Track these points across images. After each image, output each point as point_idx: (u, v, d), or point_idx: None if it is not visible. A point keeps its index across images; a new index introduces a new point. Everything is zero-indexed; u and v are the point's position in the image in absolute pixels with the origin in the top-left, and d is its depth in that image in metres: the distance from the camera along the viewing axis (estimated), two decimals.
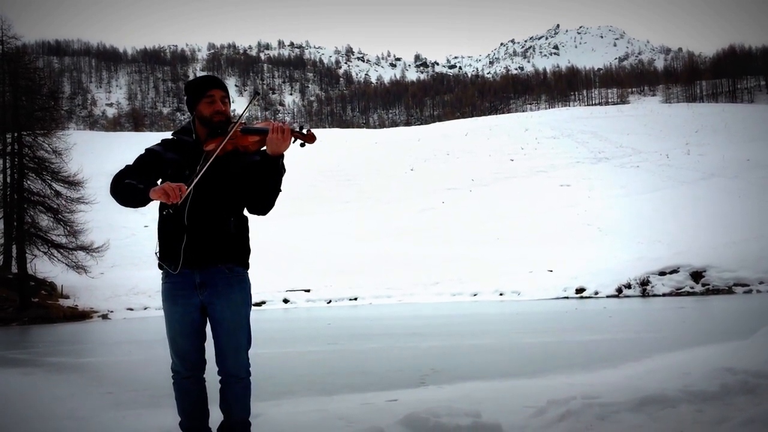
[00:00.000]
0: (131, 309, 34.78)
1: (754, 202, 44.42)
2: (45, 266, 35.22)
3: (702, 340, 9.13)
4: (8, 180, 36.03)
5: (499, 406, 4.25)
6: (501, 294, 35.23)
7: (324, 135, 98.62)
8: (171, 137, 3.06)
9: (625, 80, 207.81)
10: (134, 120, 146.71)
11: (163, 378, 7.51)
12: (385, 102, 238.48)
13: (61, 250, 35.31)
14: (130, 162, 3.04)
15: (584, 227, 48.53)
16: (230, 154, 2.88)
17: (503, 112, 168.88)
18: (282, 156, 2.84)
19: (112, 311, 34.12)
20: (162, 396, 6.25)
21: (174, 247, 2.87)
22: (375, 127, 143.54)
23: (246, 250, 2.99)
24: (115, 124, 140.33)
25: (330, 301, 36.97)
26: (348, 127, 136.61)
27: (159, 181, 2.96)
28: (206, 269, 2.87)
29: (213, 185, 2.88)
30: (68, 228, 35.46)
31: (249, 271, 3.04)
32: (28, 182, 35.80)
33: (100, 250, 35.84)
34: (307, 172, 71.63)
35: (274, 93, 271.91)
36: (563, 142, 74.93)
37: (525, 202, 56.31)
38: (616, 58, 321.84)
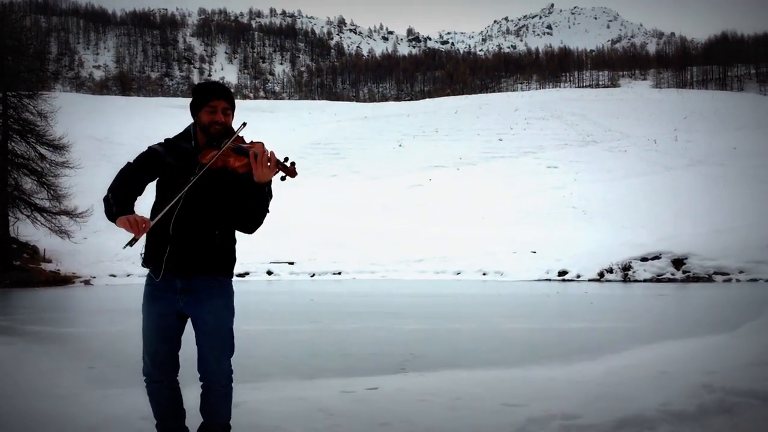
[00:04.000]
0: (114, 275, 34.67)
1: (739, 191, 44.82)
2: (28, 230, 34.96)
3: (680, 334, 9.26)
4: None
5: (477, 402, 4.30)
6: (484, 274, 35.46)
7: (313, 107, 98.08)
8: (172, 140, 3.03)
9: (617, 63, 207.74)
10: (122, 83, 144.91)
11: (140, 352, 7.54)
12: (375, 75, 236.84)
13: (45, 214, 35.01)
14: (132, 155, 3.04)
15: (569, 210, 48.84)
16: (221, 169, 2.87)
17: (494, 91, 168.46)
18: (269, 182, 2.83)
19: (94, 277, 34.01)
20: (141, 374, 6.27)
21: (158, 254, 2.86)
22: (365, 101, 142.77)
23: (230, 261, 2.98)
24: (102, 87, 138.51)
25: (314, 275, 37.03)
26: (338, 99, 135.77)
27: (155, 182, 2.96)
28: (187, 278, 2.86)
29: (201, 198, 2.87)
30: (52, 192, 35.13)
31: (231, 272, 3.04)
32: (13, 144, 35.35)
33: (83, 215, 35.56)
34: (296, 144, 71.29)
35: (264, 62, 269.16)
36: (552, 123, 74.98)
37: (512, 182, 56.47)
38: (608, 40, 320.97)
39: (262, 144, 2.87)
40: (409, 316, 13.36)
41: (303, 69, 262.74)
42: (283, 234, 40.42)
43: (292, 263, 38.55)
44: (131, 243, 2.75)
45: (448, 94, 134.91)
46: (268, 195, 2.85)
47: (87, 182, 46.44)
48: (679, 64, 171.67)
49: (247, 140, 2.95)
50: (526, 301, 18.99)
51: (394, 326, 11.23)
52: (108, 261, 37.01)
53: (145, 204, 3.05)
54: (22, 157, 35.39)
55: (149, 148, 3.00)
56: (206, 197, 2.87)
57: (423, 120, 79.70)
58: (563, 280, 32.65)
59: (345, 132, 75.54)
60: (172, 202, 2.79)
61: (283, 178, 2.82)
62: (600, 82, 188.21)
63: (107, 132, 72.24)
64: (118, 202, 2.79)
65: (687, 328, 10.07)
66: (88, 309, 17.68)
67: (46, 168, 35.60)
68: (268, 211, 2.90)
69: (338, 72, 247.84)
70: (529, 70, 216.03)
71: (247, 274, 35.04)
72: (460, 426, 3.70)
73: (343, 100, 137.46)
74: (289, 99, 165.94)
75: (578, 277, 33.01)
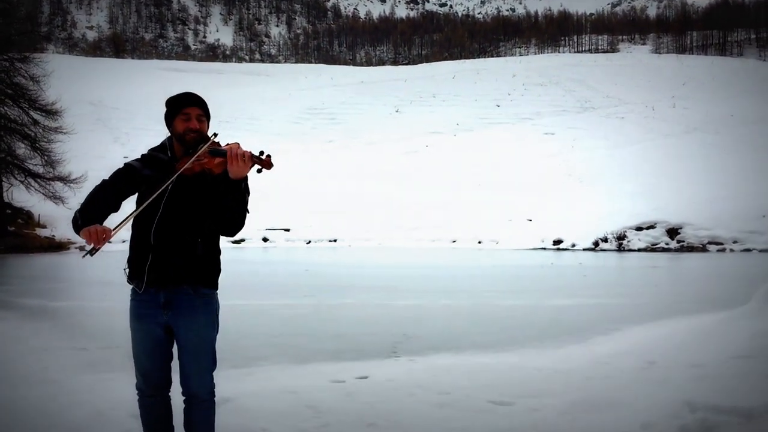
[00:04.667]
0: (109, 241, 34.63)
1: (734, 159, 44.72)
2: (22, 196, 34.86)
3: (671, 313, 9.31)
4: None
5: (465, 400, 4.33)
6: (479, 242, 35.58)
7: (310, 71, 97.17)
8: (149, 153, 3.00)
9: (617, 27, 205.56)
10: (115, 45, 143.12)
11: None
12: (373, 38, 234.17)
13: (38, 180, 34.87)
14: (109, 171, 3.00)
15: (565, 177, 48.78)
16: (199, 176, 2.84)
17: (492, 55, 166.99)
18: (245, 179, 2.80)
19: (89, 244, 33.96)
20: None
21: (140, 265, 2.85)
22: (362, 64, 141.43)
23: (214, 271, 2.96)
24: (95, 48, 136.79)
25: (309, 242, 37.12)
26: (334, 63, 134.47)
27: (136, 197, 2.93)
28: (171, 289, 2.84)
29: (180, 206, 2.84)
30: (45, 158, 34.93)
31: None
32: (5, 109, 35.02)
33: (78, 181, 35.38)
34: (291, 109, 70.79)
35: (260, 24, 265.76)
36: (550, 89, 74.47)
37: (508, 149, 56.27)
38: (608, 3, 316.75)
39: (238, 144, 2.84)
40: (404, 290, 13.40)
41: (299, 31, 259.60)
42: (278, 200, 40.37)
43: (287, 230, 38.58)
44: (91, 252, 2.73)
45: (445, 59, 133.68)
46: (246, 191, 2.83)
47: (81, 147, 46.22)
48: (679, 28, 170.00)
49: (223, 144, 2.92)
50: (520, 273, 19.06)
51: (388, 301, 11.27)
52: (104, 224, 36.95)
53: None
54: (15, 122, 35.11)
55: (125, 164, 2.97)
56: (186, 204, 2.85)
57: (420, 85, 79.06)
58: (558, 249, 32.78)
59: (342, 97, 74.94)
60: (139, 210, 2.78)
61: (259, 170, 2.79)
62: (599, 47, 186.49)
63: (101, 96, 71.53)
64: (85, 218, 2.76)
65: (678, 307, 10.12)
66: (82, 279, 17.69)
67: (39, 133, 35.34)
68: (248, 211, 2.87)
69: (335, 35, 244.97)
70: (528, 33, 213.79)
71: (242, 241, 35.08)
72: (448, 426, 3.72)
73: (339, 63, 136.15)
74: (285, 62, 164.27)
75: (573, 246, 33.14)
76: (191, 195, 2.85)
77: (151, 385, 2.96)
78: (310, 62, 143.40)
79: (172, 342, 2.95)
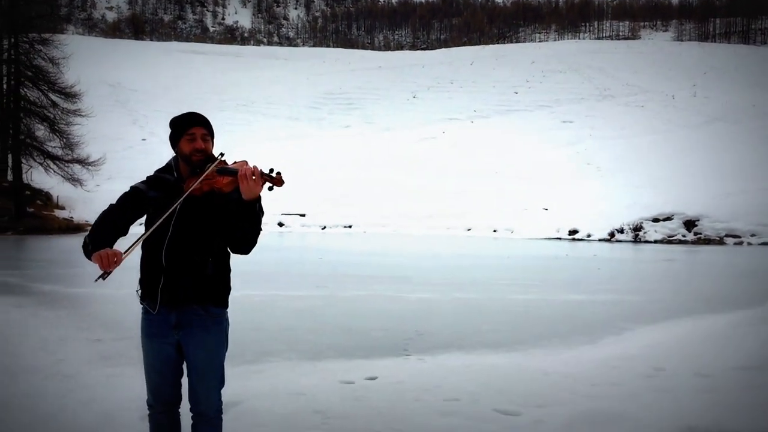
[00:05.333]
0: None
1: (755, 151, 44.13)
2: (41, 178, 35.24)
3: (683, 312, 9.28)
4: (4, 88, 35.55)
5: (471, 406, 4.36)
6: (494, 231, 35.49)
7: (327, 55, 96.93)
8: (155, 174, 3.03)
9: (638, 13, 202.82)
10: (134, 26, 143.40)
11: None
12: (391, 22, 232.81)
13: (57, 162, 35.21)
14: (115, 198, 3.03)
15: (583, 166, 48.42)
16: (207, 195, 2.86)
17: (512, 41, 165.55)
18: (258, 199, 2.81)
19: None
20: None
21: (153, 286, 2.89)
22: (380, 49, 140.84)
23: (225, 290, 3.00)
24: (114, 29, 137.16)
25: (325, 227, 37.22)
26: (353, 47, 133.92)
27: (144, 219, 2.96)
28: (182, 309, 2.88)
29: (191, 226, 2.87)
30: (64, 140, 35.24)
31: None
32: (25, 91, 35.33)
33: (96, 164, 35.72)
34: (308, 94, 70.75)
35: (278, 6, 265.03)
36: (569, 77, 73.80)
37: (525, 136, 55.92)
38: None
39: (245, 162, 2.85)
40: (417, 282, 13.43)
41: (318, 14, 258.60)
42: (294, 185, 40.39)
43: (303, 215, 38.68)
44: (102, 277, 2.75)
45: (464, 44, 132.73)
46: (260, 212, 2.85)
47: (99, 129, 46.58)
48: (702, 15, 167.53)
49: (230, 162, 2.94)
50: (534, 264, 19.02)
51: (401, 294, 11.31)
52: None
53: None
54: (35, 104, 35.43)
55: (131, 187, 3.00)
56: (196, 225, 2.87)
57: (438, 71, 78.65)
58: (573, 239, 32.64)
59: (359, 82, 74.75)
60: (148, 232, 2.79)
61: (270, 188, 2.81)
62: (620, 33, 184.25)
63: (120, 77, 71.84)
64: (95, 242, 2.79)
65: (691, 306, 10.07)
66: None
67: (58, 115, 35.64)
68: (261, 230, 2.90)
69: (353, 18, 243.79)
70: (548, 19, 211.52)
71: None
72: (452, 411, 3.75)
73: (357, 47, 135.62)
74: (303, 45, 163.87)
75: (588, 236, 32.99)
76: (200, 215, 2.88)
77: (161, 402, 3.01)
78: (328, 46, 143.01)
79: (182, 360, 3.00)
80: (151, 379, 3.00)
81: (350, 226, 37.52)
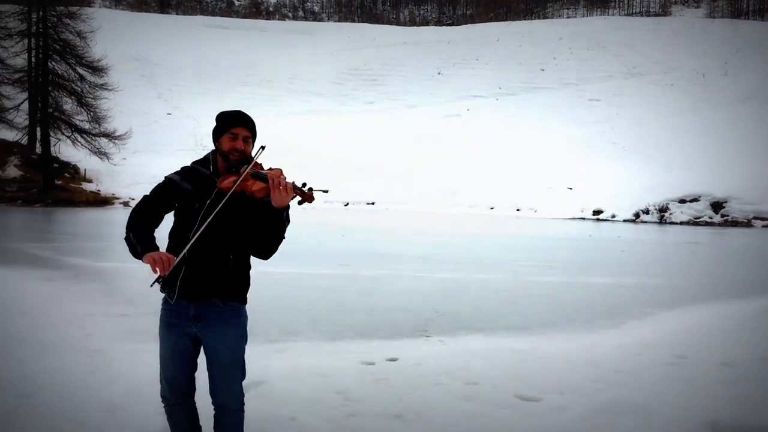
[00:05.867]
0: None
1: None
2: (69, 151, 35.70)
3: (706, 298, 9.21)
4: (33, 61, 35.94)
5: (492, 392, 4.39)
6: (518, 210, 35.33)
7: (353, 30, 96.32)
8: (190, 166, 3.06)
9: None
10: (160, 0, 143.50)
11: None
12: None
13: (85, 135, 35.64)
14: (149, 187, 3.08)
15: (609, 145, 47.91)
16: (238, 195, 2.90)
17: (539, 17, 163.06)
18: (287, 208, 2.85)
19: (133, 199, 34.71)
20: None
21: (173, 277, 2.93)
22: (405, 24, 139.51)
23: (244, 286, 3.03)
24: (140, 3, 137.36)
25: (347, 204, 37.30)
26: (378, 22, 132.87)
27: (173, 211, 3.00)
28: (200, 302, 2.93)
29: (217, 222, 2.90)
30: (91, 113, 35.63)
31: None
32: (53, 64, 35.69)
33: (123, 138, 36.10)
34: (332, 69, 70.52)
35: None
36: (597, 53, 72.70)
37: (551, 114, 55.39)
38: None
39: (280, 170, 2.90)
40: (439, 261, 13.46)
41: None
42: (317, 160, 40.52)
43: (326, 191, 38.36)
44: (158, 280, 2.82)
45: (490, 20, 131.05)
46: (286, 220, 2.88)
47: (125, 103, 46.91)
48: None
49: (266, 167, 2.98)
50: (557, 245, 18.94)
51: (423, 273, 11.35)
52: (146, 183, 37.63)
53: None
54: (62, 78, 35.80)
55: (166, 177, 3.05)
56: (222, 222, 2.91)
57: (464, 47, 77.88)
58: (597, 220, 32.41)
59: (384, 58, 74.32)
60: (197, 234, 2.83)
61: (300, 203, 2.85)
62: (651, 9, 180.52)
63: (146, 51, 72.12)
64: (139, 240, 2.87)
65: (715, 291, 10.00)
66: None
67: (85, 89, 36.01)
68: (284, 238, 2.93)
69: None
70: None
71: None
72: (470, 424, 3.79)
73: (382, 22, 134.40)
74: (328, 20, 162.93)
75: (613, 217, 32.73)
76: (229, 213, 2.91)
77: (176, 393, 3.06)
78: (353, 21, 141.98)
79: (198, 353, 3.04)
80: (167, 368, 3.04)
81: (373, 203, 37.58)
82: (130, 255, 2.94)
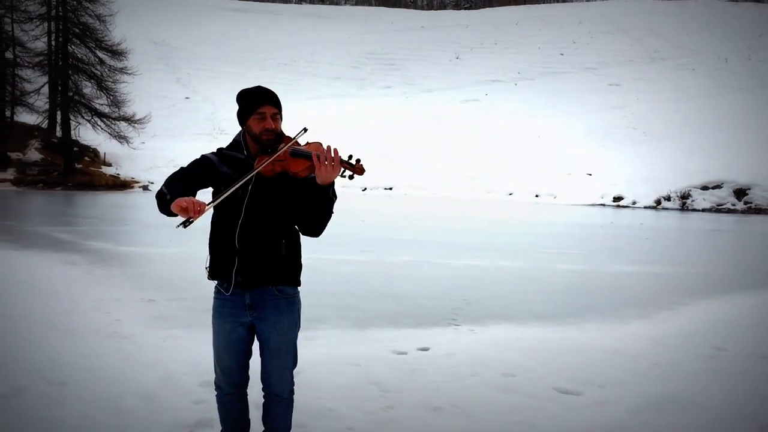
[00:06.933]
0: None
1: None
2: (88, 135, 35.80)
3: (737, 286, 9.06)
4: (53, 45, 36.01)
5: (530, 384, 4.31)
6: (537, 196, 35.09)
7: (370, 14, 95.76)
8: (225, 151, 2.94)
9: None
10: None
11: (197, 284, 7.74)
12: None
13: (104, 119, 35.73)
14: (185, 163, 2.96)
15: (630, 131, 47.34)
16: (279, 176, 2.78)
17: (558, 0, 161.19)
18: (332, 184, 2.73)
19: (152, 182, 34.86)
20: (199, 311, 6.48)
21: (227, 268, 2.85)
22: (423, 8, 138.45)
23: (297, 270, 2.97)
24: None
25: (365, 189, 37.21)
26: (395, 5, 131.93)
27: (211, 191, 2.89)
28: (255, 290, 2.86)
29: (263, 207, 2.81)
30: (111, 97, 35.71)
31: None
32: (73, 47, 35.74)
33: (142, 122, 36.18)
34: (350, 53, 70.17)
35: None
36: (618, 38, 71.73)
37: (570, 99, 54.80)
38: None
39: (320, 144, 2.75)
40: (460, 248, 13.37)
41: None
42: (334, 145, 40.37)
43: (343, 176, 38.71)
44: (185, 224, 2.66)
45: (509, 3, 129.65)
46: (333, 197, 2.77)
47: (144, 87, 46.99)
48: None
49: (302, 143, 2.84)
50: (578, 232, 18.76)
51: (446, 260, 11.27)
52: (164, 167, 37.80)
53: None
54: (82, 61, 35.85)
55: (202, 155, 2.94)
56: (268, 206, 2.82)
57: (482, 31, 77.15)
58: (618, 206, 32.11)
59: (401, 42, 73.81)
60: (209, 206, 2.68)
61: (351, 177, 2.71)
62: None
63: (164, 35, 72.15)
64: (172, 191, 2.72)
65: (745, 280, 9.84)
66: (147, 222, 18.19)
67: (105, 73, 36.06)
68: (333, 213, 2.83)
69: None
70: None
71: None
72: (513, 418, 3.71)
73: (399, 6, 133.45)
74: (345, 3, 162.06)
75: (634, 203, 32.40)
76: (272, 196, 2.82)
77: (231, 383, 3.01)
78: (370, 4, 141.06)
79: (252, 341, 2.99)
80: (222, 360, 2.99)
81: (390, 188, 37.47)
82: (159, 211, 2.78)
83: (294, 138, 2.83)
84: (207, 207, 2.64)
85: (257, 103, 2.86)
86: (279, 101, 2.91)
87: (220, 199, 2.70)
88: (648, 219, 24.54)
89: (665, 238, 18.11)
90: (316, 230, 2.86)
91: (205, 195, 2.85)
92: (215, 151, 2.96)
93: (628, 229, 20.06)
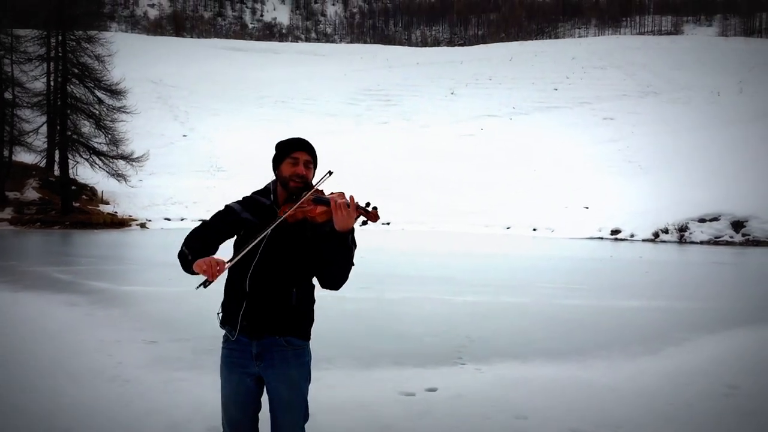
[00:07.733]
0: (168, 219, 35.51)
1: None
2: (86, 173, 35.91)
3: (742, 320, 9.00)
4: (52, 84, 36.30)
5: (542, 427, 4.23)
6: (534, 229, 35.09)
7: (365, 52, 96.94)
8: (251, 196, 2.96)
9: (681, 7, 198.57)
10: (175, 23, 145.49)
11: (198, 324, 7.65)
12: (429, 18, 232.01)
13: (102, 158, 35.88)
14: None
15: (625, 164, 47.65)
16: (299, 223, 2.77)
17: (551, 36, 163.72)
18: (351, 231, 2.71)
19: (150, 220, 34.83)
20: (202, 352, 6.40)
21: (234, 311, 2.82)
22: (417, 44, 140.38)
23: (308, 322, 2.92)
24: (156, 27, 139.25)
25: (363, 224, 37.15)
26: (390, 43, 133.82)
27: (234, 239, 2.89)
28: (262, 340, 2.80)
29: (278, 253, 2.79)
30: (109, 136, 35.91)
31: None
32: (72, 87, 36.02)
33: (140, 160, 36.34)
34: (346, 90, 70.84)
35: (316, 3, 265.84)
36: (611, 73, 72.67)
37: (566, 133, 55.26)
38: None
39: (343, 194, 2.76)
40: (462, 283, 13.30)
41: (355, 10, 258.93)
42: (332, 181, 40.49)
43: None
44: (204, 284, 2.68)
45: (502, 40, 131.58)
46: (353, 244, 2.74)
47: (142, 125, 47.28)
48: (747, 9, 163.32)
49: (327, 193, 2.85)
50: (578, 266, 18.72)
51: (448, 296, 11.20)
52: (162, 204, 37.88)
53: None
54: (81, 101, 36.10)
55: (226, 206, 2.94)
56: (284, 252, 2.79)
57: (476, 67, 78.11)
58: (616, 239, 32.10)
59: (397, 78, 74.62)
60: (251, 244, 2.70)
61: (364, 223, 2.71)
62: (663, 28, 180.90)
63: (161, 74, 72.81)
64: (193, 251, 2.75)
65: (748, 314, 9.78)
66: (147, 260, 18.13)
67: (103, 112, 36.32)
68: (353, 264, 2.79)
69: (390, 14, 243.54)
70: (589, 13, 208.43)
71: None
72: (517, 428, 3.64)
73: (395, 43, 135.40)
74: (340, 41, 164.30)
75: (632, 236, 32.41)
76: (290, 243, 2.80)
77: None
78: (366, 42, 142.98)
79: (261, 392, 2.91)
80: (230, 413, 2.89)
81: (388, 224, 37.44)
82: (183, 271, 2.80)
83: (319, 181, 2.84)
84: (227, 265, 2.66)
85: (293, 148, 2.91)
86: (315, 152, 2.94)
87: (238, 258, 2.71)
88: (647, 252, 24.52)
89: (666, 272, 18.07)
90: (335, 282, 2.82)
91: (227, 247, 2.86)
92: (240, 198, 2.96)
93: (627, 263, 20.03)
